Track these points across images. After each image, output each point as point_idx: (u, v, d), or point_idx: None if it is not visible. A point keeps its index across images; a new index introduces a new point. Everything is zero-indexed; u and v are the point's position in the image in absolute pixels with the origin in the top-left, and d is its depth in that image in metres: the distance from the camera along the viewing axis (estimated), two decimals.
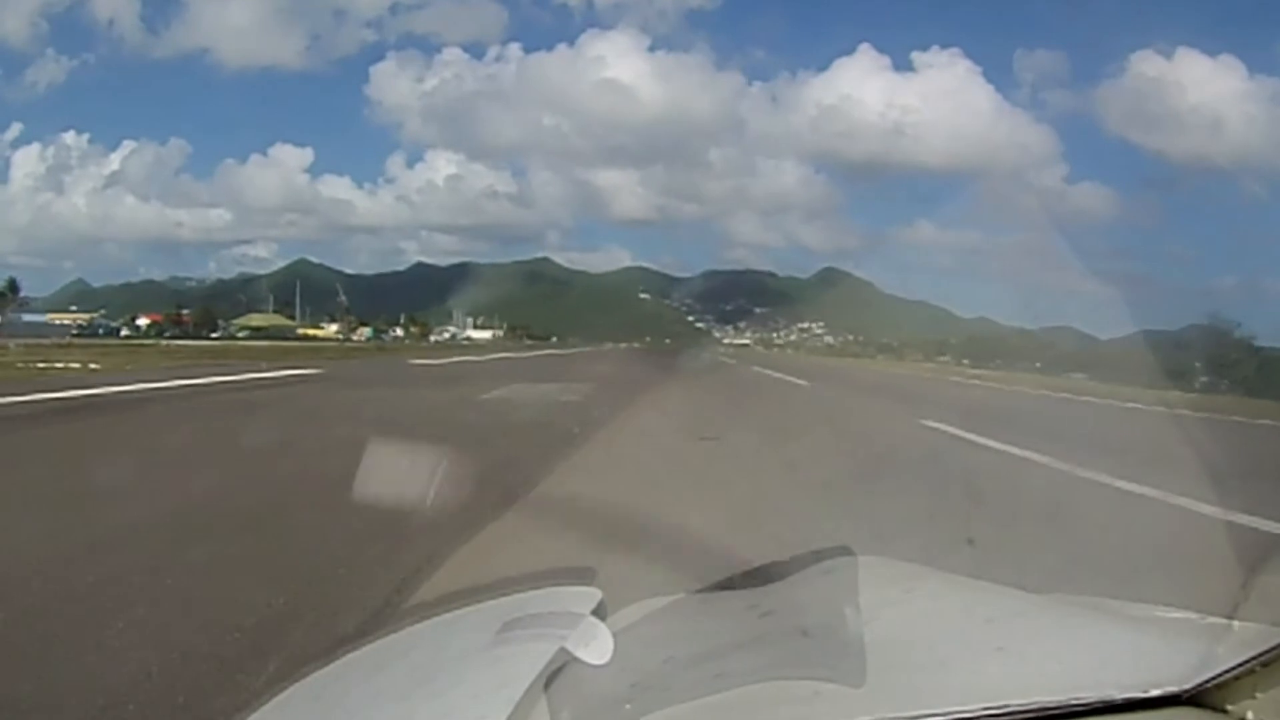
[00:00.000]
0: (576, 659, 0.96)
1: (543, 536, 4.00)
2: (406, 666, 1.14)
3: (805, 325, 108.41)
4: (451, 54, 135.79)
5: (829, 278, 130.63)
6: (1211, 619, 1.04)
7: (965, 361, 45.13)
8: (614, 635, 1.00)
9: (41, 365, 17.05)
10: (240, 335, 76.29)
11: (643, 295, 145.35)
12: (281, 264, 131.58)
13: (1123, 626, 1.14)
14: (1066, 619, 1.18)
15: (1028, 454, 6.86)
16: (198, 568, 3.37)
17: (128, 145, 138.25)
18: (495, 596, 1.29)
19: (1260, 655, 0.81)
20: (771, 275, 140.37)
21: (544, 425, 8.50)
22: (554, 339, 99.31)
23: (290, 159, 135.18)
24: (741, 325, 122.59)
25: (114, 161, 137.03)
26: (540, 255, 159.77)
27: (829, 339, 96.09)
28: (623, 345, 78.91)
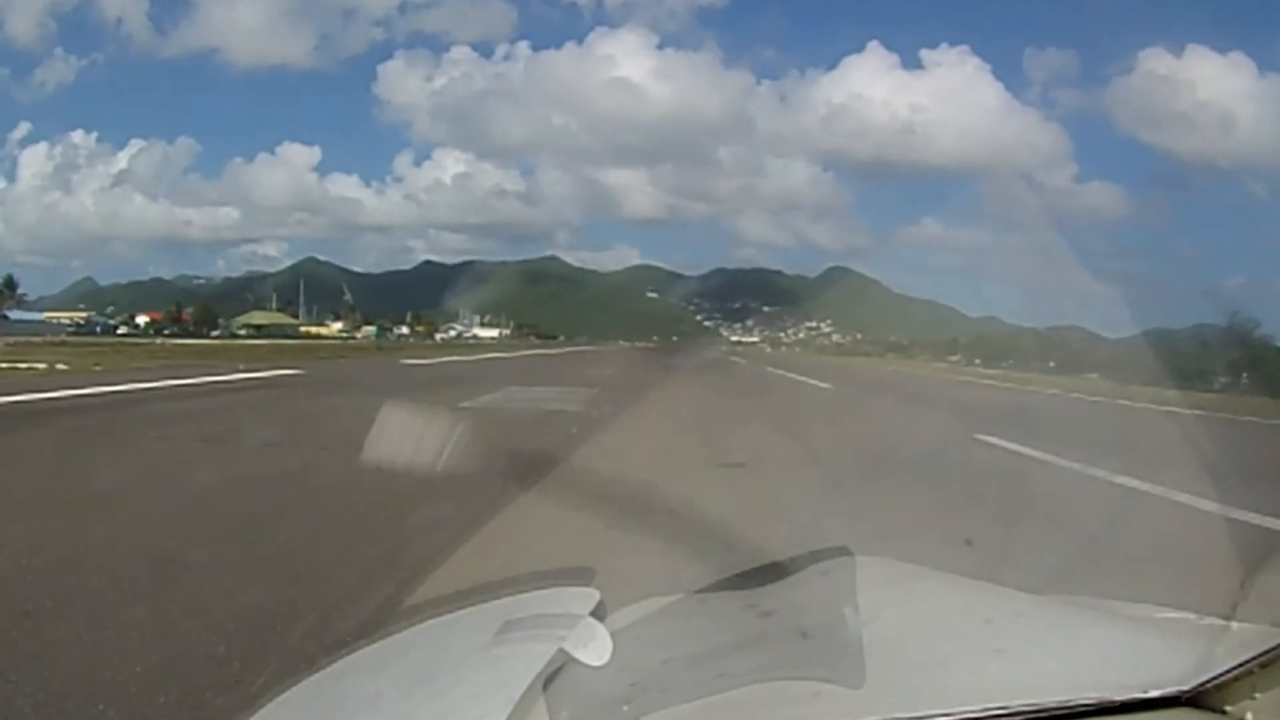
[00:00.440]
0: (575, 659, 0.97)
1: None
2: (406, 667, 1.15)
3: (813, 324, 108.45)
4: (460, 53, 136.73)
5: (836, 276, 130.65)
6: (1210, 620, 1.04)
7: (976, 361, 44.99)
8: (613, 636, 1.02)
9: (3, 366, 16.22)
10: (241, 333, 76.55)
11: (650, 294, 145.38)
12: (289, 263, 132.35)
13: (1122, 627, 1.14)
14: (1066, 620, 1.19)
15: (1129, 481, 5.68)
16: None
17: (136, 144, 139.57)
18: (494, 597, 1.30)
19: (1259, 656, 0.81)
20: (779, 274, 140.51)
21: (518, 456, 6.43)
22: (561, 338, 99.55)
23: (299, 158, 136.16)
24: (749, 324, 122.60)
25: (122, 160, 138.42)
26: (549, 254, 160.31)
27: (836, 337, 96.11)
28: (630, 344, 79.00)
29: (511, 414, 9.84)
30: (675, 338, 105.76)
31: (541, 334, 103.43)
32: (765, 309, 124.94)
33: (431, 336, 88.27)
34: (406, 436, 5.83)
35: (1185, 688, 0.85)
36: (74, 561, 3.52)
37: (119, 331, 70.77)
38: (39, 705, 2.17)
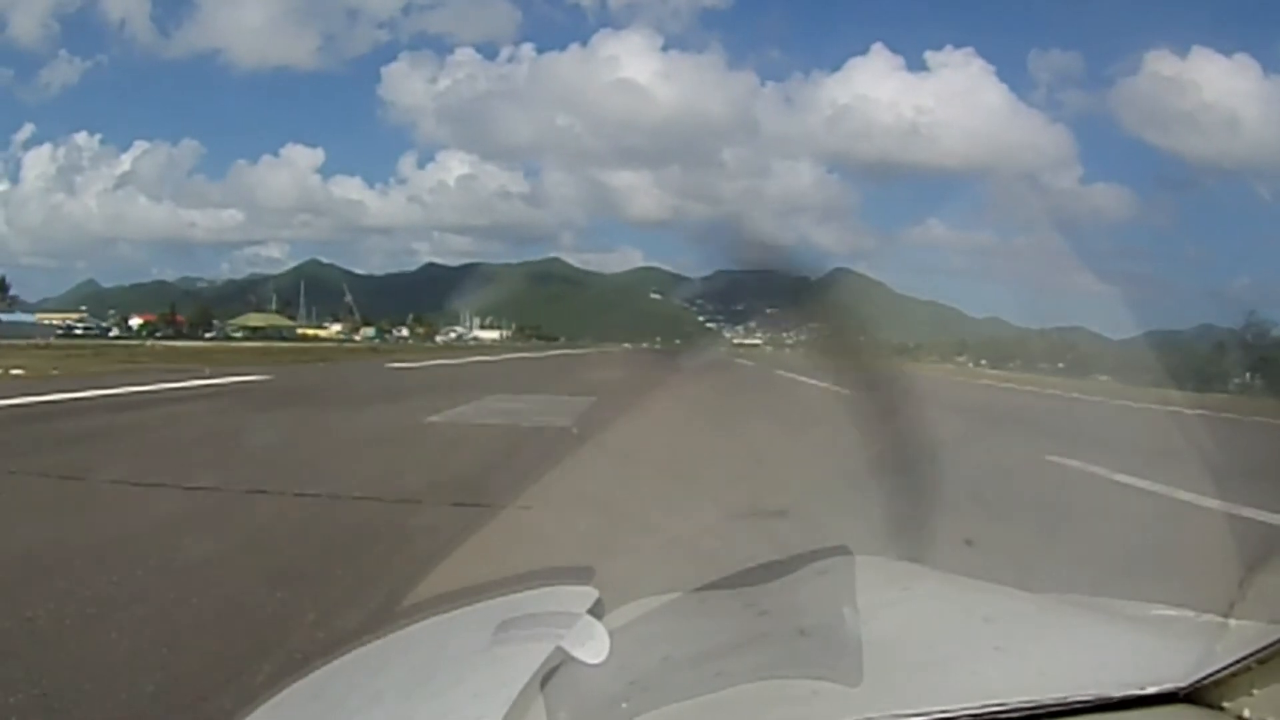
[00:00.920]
0: (573, 658, 0.98)
1: None
2: (404, 667, 1.16)
3: (816, 325, 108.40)
4: (464, 54, 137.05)
5: (840, 278, 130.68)
6: (1208, 617, 1.05)
7: (983, 362, 44.89)
8: (611, 634, 1.02)
9: None
10: (236, 336, 76.55)
11: (654, 295, 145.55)
12: (293, 264, 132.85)
13: (1120, 625, 1.15)
14: (1064, 618, 1.20)
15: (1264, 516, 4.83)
16: None
17: (140, 146, 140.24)
18: (492, 596, 1.31)
19: (1257, 653, 0.82)
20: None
21: (474, 492, 5.17)
22: (563, 339, 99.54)
23: (302, 159, 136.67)
24: (752, 325, 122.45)
25: (126, 162, 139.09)
26: (552, 255, 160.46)
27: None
28: (633, 346, 79.01)
29: (479, 434, 8.08)
30: (678, 339, 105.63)
31: (544, 336, 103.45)
32: (768, 310, 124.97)
33: (432, 339, 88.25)
34: (321, 471, 5.23)
35: (1183, 684, 0.86)
36: None
37: (110, 334, 70.78)
38: None
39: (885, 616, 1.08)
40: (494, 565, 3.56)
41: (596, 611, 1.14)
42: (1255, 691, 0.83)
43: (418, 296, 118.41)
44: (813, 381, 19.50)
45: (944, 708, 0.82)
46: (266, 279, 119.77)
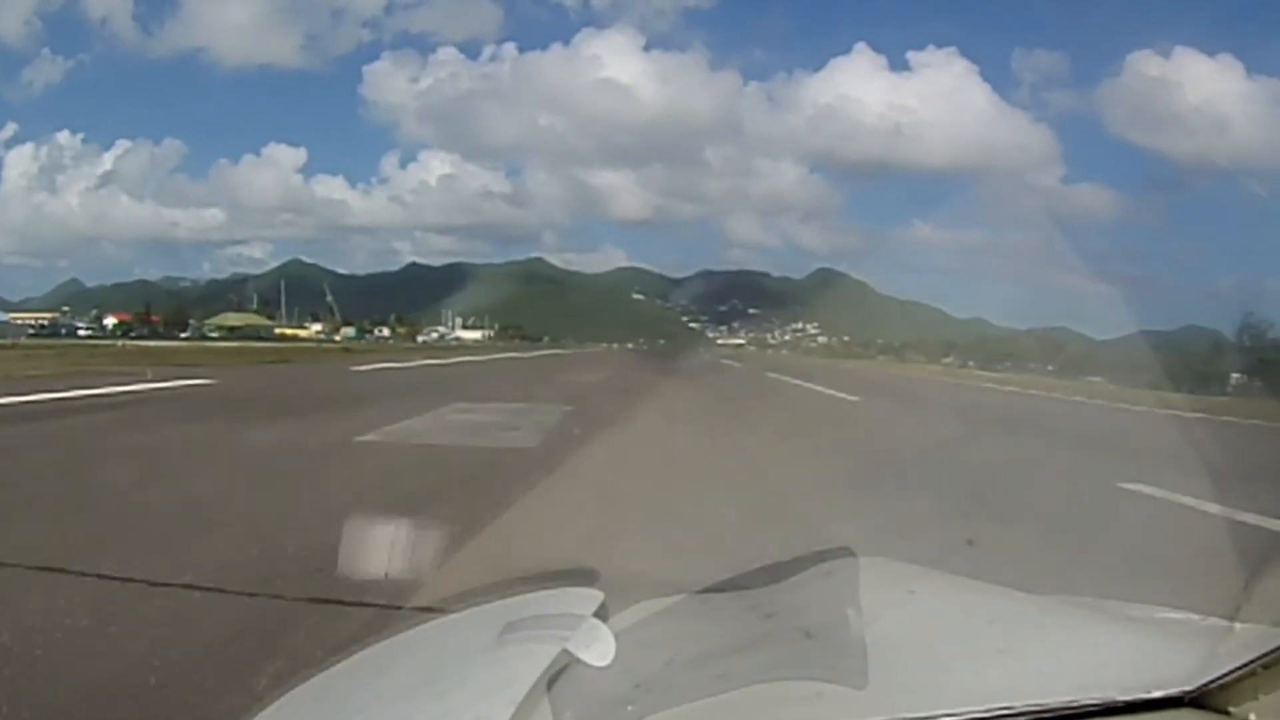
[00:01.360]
0: (578, 660, 0.98)
1: None
2: (409, 669, 1.16)
3: (799, 326, 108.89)
4: (447, 53, 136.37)
5: (823, 278, 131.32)
6: (1213, 620, 1.06)
7: (970, 363, 45.18)
8: (616, 636, 1.03)
9: None
10: (213, 336, 75.90)
11: (637, 296, 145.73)
12: (275, 264, 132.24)
13: (1124, 628, 1.16)
14: (1068, 620, 1.21)
15: None
16: None
17: (122, 145, 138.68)
18: (497, 598, 1.31)
19: (1262, 657, 0.83)
20: (766, 275, 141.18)
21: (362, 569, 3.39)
22: (546, 339, 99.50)
23: (285, 159, 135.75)
24: (736, 326, 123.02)
25: (108, 161, 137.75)
26: (535, 255, 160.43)
27: (822, 339, 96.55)
28: (616, 346, 79.20)
29: (416, 460, 6.58)
30: (661, 340, 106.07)
31: (526, 336, 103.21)
32: (751, 311, 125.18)
33: (413, 339, 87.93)
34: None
35: (1189, 688, 0.86)
36: None
37: (81, 333, 70.06)
38: None
39: (889, 618, 1.09)
40: None
41: (601, 613, 1.14)
42: (1261, 696, 0.84)
43: (400, 296, 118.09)
44: (813, 387, 18.55)
45: (948, 710, 0.83)
46: (249, 279, 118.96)
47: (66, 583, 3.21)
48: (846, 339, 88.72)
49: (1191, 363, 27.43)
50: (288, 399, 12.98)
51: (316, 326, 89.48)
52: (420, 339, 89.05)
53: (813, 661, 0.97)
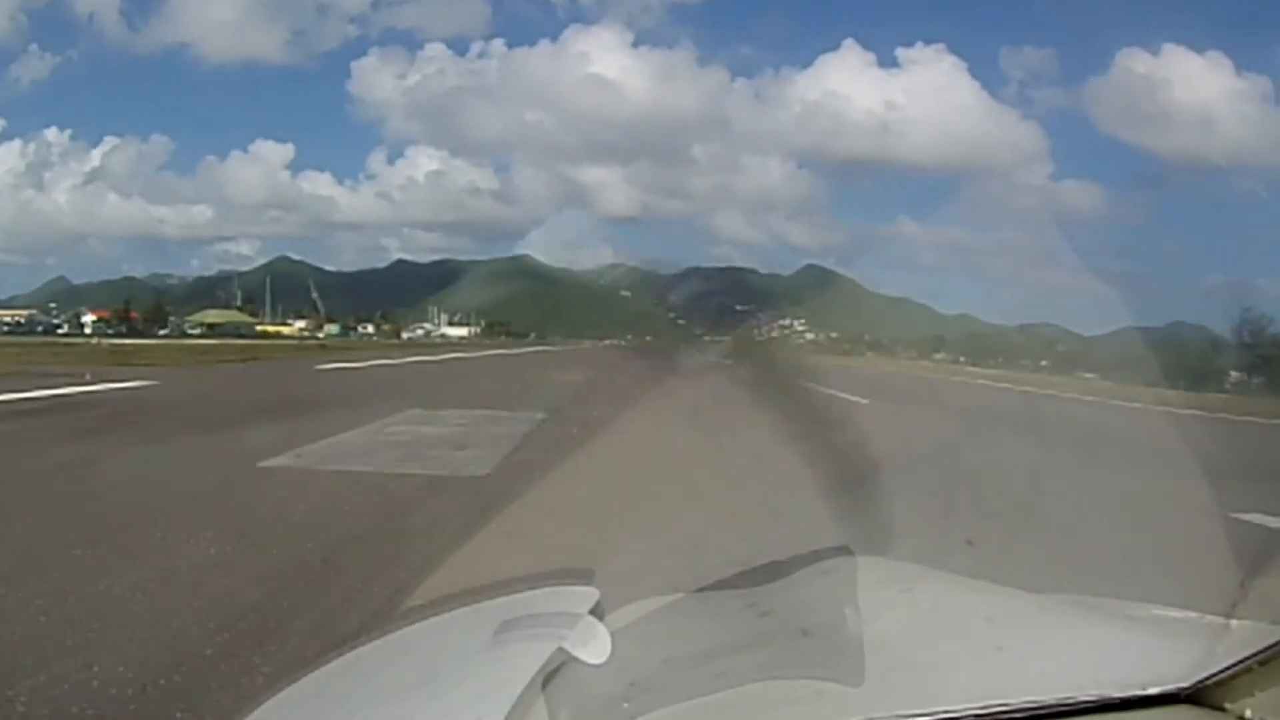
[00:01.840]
0: (575, 658, 0.98)
1: None
2: (405, 667, 1.16)
3: (786, 322, 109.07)
4: (434, 49, 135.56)
5: (811, 274, 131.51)
6: (1210, 618, 1.07)
7: (961, 359, 45.36)
8: (612, 635, 1.03)
9: None
10: (193, 333, 75.36)
11: (624, 292, 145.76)
12: (262, 261, 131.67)
13: (1122, 625, 1.17)
14: (1066, 618, 1.21)
15: None
16: None
17: (109, 141, 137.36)
18: (493, 596, 1.31)
19: (1258, 654, 0.84)
20: (753, 272, 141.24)
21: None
22: (532, 336, 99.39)
23: (272, 155, 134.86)
24: (723, 322, 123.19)
25: (95, 158, 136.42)
26: (522, 252, 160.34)
27: (810, 335, 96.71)
28: (603, 342, 79.27)
29: (331, 496, 5.09)
30: (649, 336, 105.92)
31: (512, 332, 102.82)
32: (738, 307, 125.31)
33: (398, 335, 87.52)
34: None
35: (1185, 685, 0.87)
36: None
37: (58, 330, 69.41)
38: None
39: (887, 617, 1.09)
40: None
41: (598, 612, 1.14)
42: (1257, 692, 0.84)
43: (388, 293, 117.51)
44: (815, 386, 16.60)
45: (946, 708, 0.83)
46: (236, 275, 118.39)
47: None
48: (835, 335, 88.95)
49: (1185, 359, 27.34)
50: (220, 405, 11.71)
51: (301, 323, 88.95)
52: (405, 336, 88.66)
53: (810, 660, 0.98)
